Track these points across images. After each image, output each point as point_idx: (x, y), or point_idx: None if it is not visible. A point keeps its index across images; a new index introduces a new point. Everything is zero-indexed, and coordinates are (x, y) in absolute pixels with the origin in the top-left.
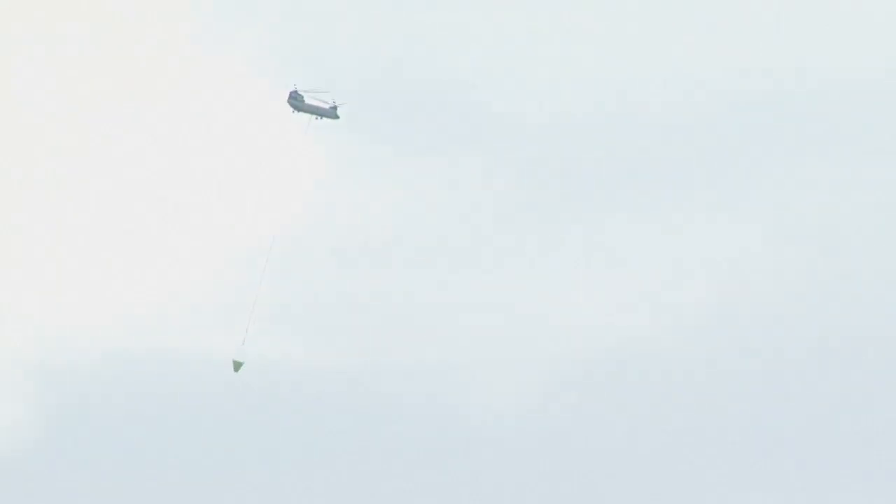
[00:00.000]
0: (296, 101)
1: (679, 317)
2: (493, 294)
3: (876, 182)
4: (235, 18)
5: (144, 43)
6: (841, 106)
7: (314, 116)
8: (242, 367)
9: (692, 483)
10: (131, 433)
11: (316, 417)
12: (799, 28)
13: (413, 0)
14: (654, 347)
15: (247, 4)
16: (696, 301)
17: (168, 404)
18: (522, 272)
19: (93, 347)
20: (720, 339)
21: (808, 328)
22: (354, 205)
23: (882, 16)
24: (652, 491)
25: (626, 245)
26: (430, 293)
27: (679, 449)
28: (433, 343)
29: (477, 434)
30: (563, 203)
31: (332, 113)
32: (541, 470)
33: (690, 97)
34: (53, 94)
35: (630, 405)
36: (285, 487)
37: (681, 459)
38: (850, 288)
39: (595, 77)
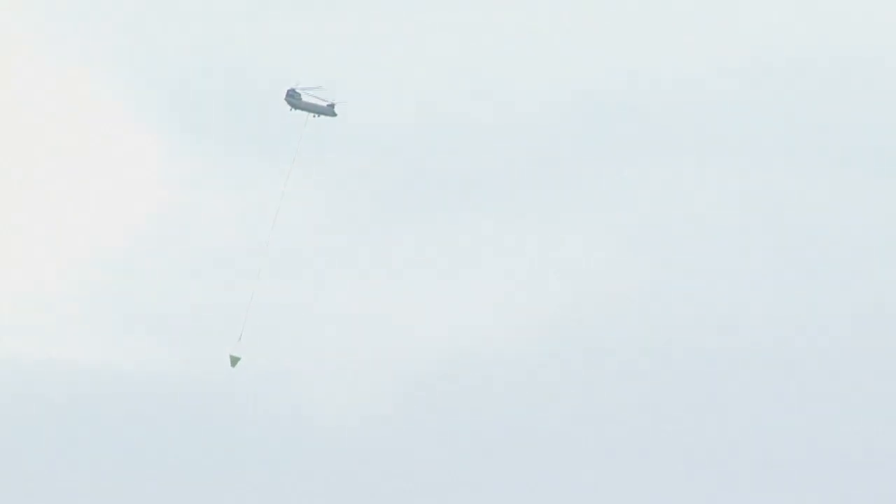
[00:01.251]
0: (293, 98)
1: (529, 322)
2: (343, 301)
3: (724, 187)
4: None
5: None
6: (693, 112)
7: (312, 114)
8: (239, 362)
9: (540, 485)
10: None
11: (168, 423)
12: (654, 33)
13: (249, 9)
14: (504, 352)
15: None
16: (546, 306)
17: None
18: (372, 279)
19: None
20: (570, 343)
21: (658, 332)
22: (203, 214)
23: (731, 20)
24: (501, 493)
25: (476, 251)
26: (278, 300)
27: (528, 451)
28: (282, 349)
29: (325, 440)
30: (411, 210)
31: (329, 111)
32: (389, 474)
33: (539, 102)
34: None
35: (479, 409)
36: (123, 494)
37: (529, 461)
38: (701, 291)
39: (441, 82)
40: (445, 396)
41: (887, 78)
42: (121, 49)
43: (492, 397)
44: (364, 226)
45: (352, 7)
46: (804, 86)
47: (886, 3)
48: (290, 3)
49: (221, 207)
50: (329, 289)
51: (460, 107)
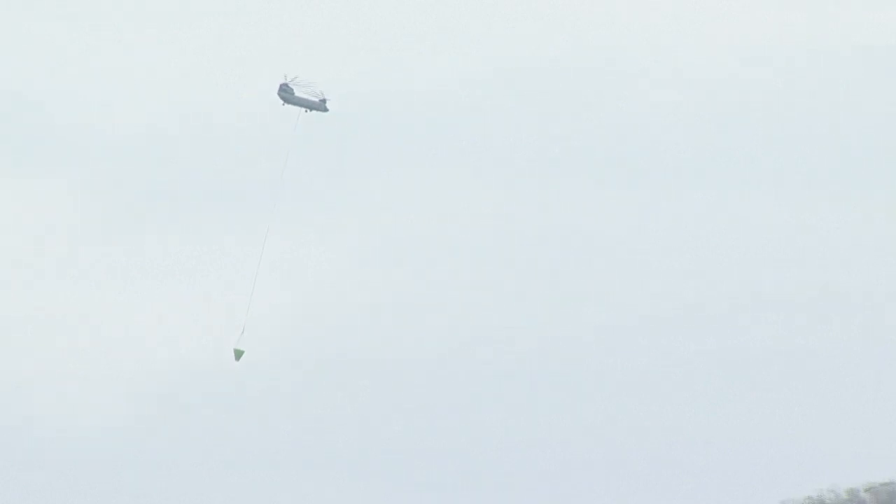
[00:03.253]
0: (286, 93)
1: (270, 332)
2: (69, 310)
3: (474, 198)
4: None
5: None
6: (444, 122)
7: (304, 109)
8: (243, 356)
9: (277, 495)
10: None
11: None
12: (402, 38)
13: None
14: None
15: None
16: (284, 315)
17: None
18: (101, 288)
19: None
20: (310, 350)
21: (398, 340)
22: None
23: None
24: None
25: (215, 261)
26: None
27: (278, 457)
28: (9, 357)
29: (48, 449)
30: (140, 220)
31: (321, 106)
32: (122, 484)
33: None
34: None
35: (215, 418)
36: None
37: (265, 468)
38: (446, 301)
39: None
40: (180, 407)
41: (618, 87)
42: None
43: (226, 406)
44: (96, 234)
45: (100, 15)
46: (549, 97)
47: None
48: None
49: None
50: (58, 296)
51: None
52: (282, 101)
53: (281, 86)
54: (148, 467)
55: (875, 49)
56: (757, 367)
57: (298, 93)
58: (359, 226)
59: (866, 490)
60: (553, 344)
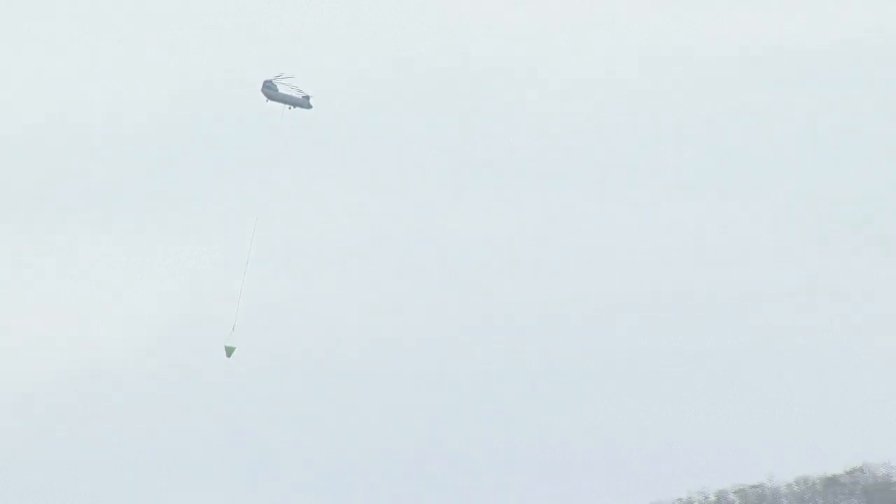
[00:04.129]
0: (269, 90)
1: (131, 333)
2: None
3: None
4: None
5: None
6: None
7: (287, 106)
8: (234, 352)
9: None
10: None
11: None
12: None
13: None
14: (113, 362)
15: None
16: (142, 318)
17: None
18: None
19: None
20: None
21: (272, 340)
22: None
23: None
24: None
25: (70, 263)
26: None
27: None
28: None
29: None
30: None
31: (304, 102)
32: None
33: (154, 113)
34: None
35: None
36: None
37: (144, 465)
38: (310, 301)
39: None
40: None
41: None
42: None
43: (104, 408)
44: None
45: None
46: (408, 97)
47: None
48: None
49: None
50: None
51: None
52: (265, 98)
53: (265, 83)
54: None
55: (756, 51)
56: (628, 369)
57: (282, 90)
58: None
59: (735, 492)
60: (427, 344)
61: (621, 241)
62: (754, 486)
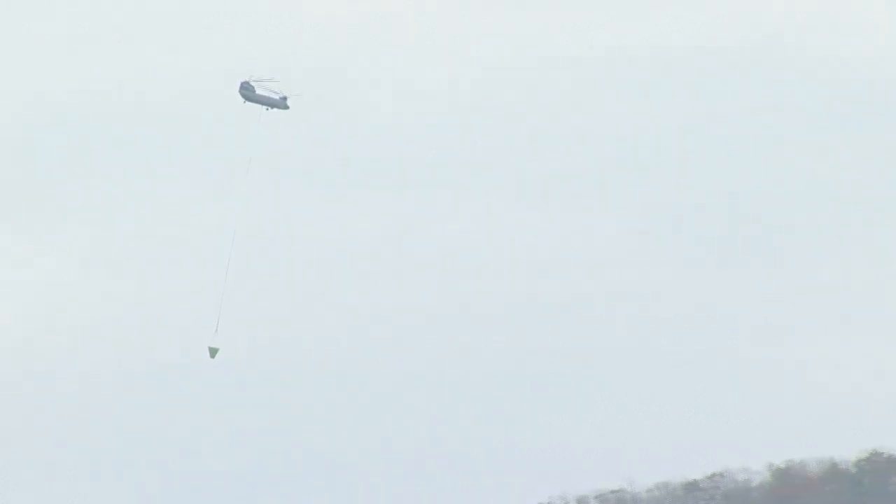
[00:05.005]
0: (247, 91)
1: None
2: None
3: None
4: None
5: None
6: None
7: (265, 107)
8: (218, 353)
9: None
10: None
11: None
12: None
13: None
14: None
15: None
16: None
17: None
18: None
19: None
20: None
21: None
22: None
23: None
24: None
25: None
26: None
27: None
28: None
29: None
30: None
31: (281, 103)
32: None
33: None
34: None
35: None
36: None
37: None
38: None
39: None
40: None
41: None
42: None
43: None
44: None
45: None
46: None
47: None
48: None
49: None
50: None
51: None
52: (243, 100)
53: (242, 84)
54: None
55: (612, 57)
56: (487, 373)
57: (260, 91)
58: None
59: (596, 497)
60: (280, 345)
61: (476, 247)
62: (615, 491)
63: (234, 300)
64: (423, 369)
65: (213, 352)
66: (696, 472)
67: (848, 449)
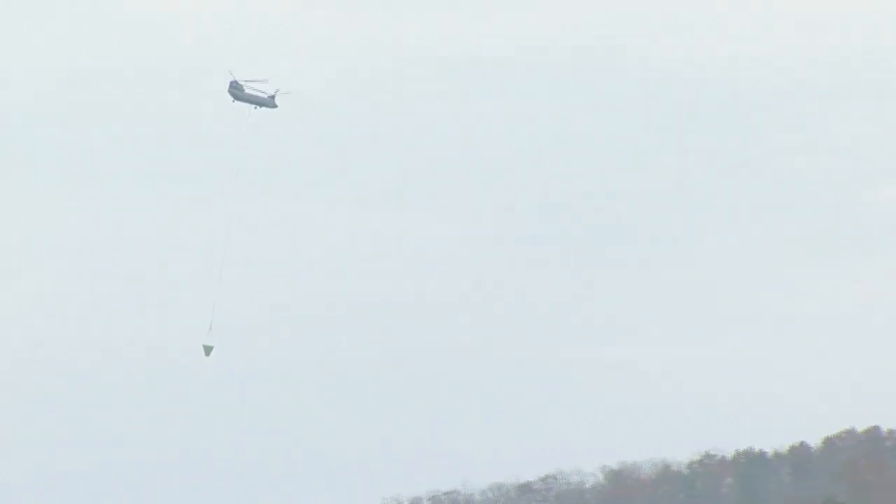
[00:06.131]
0: (236, 90)
1: None
2: None
3: None
4: None
5: None
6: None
7: (253, 106)
8: (212, 351)
9: None
10: None
11: None
12: None
13: None
14: None
15: None
16: None
17: None
18: None
19: None
20: None
21: None
22: None
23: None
24: None
25: None
26: None
27: None
28: None
29: None
30: None
31: (270, 102)
32: None
33: None
34: None
35: None
36: None
37: None
38: None
39: None
40: None
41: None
42: None
43: None
44: None
45: None
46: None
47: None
48: None
49: None
50: None
51: None
52: (232, 99)
53: (231, 83)
54: None
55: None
56: (319, 376)
57: (248, 90)
58: None
59: (430, 498)
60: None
61: (317, 250)
62: (448, 493)
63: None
64: (256, 371)
65: (207, 350)
66: (530, 474)
67: (681, 451)
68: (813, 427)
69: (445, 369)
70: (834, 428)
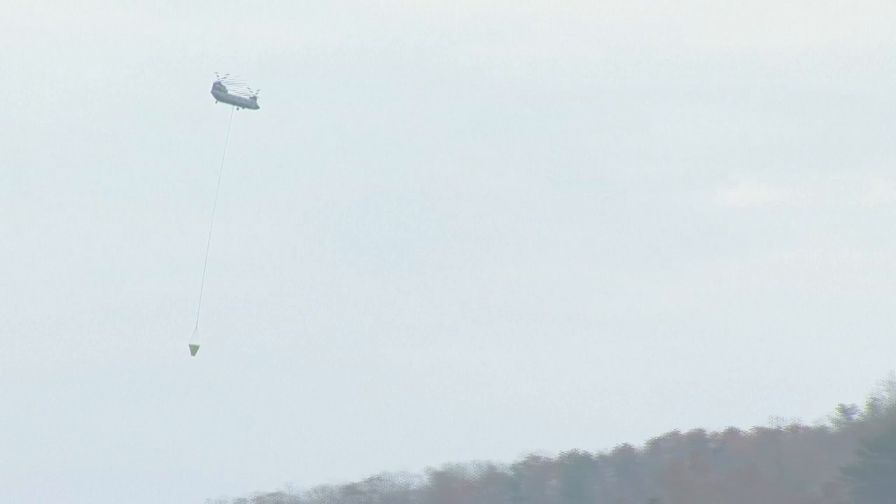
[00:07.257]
0: (219, 91)
1: None
2: None
3: None
4: None
5: None
6: None
7: (235, 107)
8: (198, 350)
9: None
10: None
11: None
12: None
13: None
14: None
15: None
16: None
17: None
18: None
19: None
20: None
21: None
22: None
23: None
24: None
25: None
26: None
27: None
28: None
29: None
30: None
31: (251, 103)
32: None
33: None
34: None
35: None
36: None
37: None
38: None
39: None
40: None
41: None
42: None
43: None
44: None
45: None
46: None
47: None
48: None
49: None
50: None
51: None
52: (215, 99)
53: (214, 84)
54: None
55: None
56: (138, 375)
57: (231, 91)
58: None
59: (254, 500)
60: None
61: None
62: (273, 494)
63: None
64: (76, 371)
65: (193, 349)
66: (355, 476)
67: (505, 453)
68: (637, 429)
69: (268, 370)
70: (658, 430)
